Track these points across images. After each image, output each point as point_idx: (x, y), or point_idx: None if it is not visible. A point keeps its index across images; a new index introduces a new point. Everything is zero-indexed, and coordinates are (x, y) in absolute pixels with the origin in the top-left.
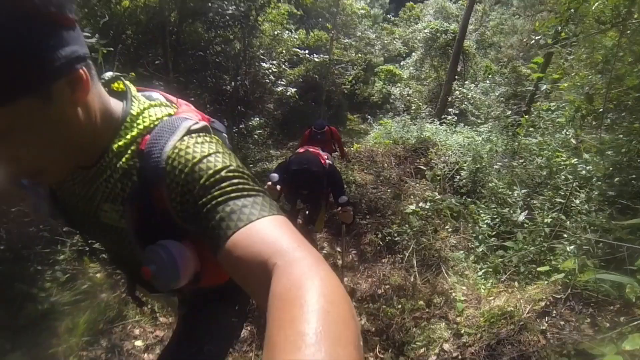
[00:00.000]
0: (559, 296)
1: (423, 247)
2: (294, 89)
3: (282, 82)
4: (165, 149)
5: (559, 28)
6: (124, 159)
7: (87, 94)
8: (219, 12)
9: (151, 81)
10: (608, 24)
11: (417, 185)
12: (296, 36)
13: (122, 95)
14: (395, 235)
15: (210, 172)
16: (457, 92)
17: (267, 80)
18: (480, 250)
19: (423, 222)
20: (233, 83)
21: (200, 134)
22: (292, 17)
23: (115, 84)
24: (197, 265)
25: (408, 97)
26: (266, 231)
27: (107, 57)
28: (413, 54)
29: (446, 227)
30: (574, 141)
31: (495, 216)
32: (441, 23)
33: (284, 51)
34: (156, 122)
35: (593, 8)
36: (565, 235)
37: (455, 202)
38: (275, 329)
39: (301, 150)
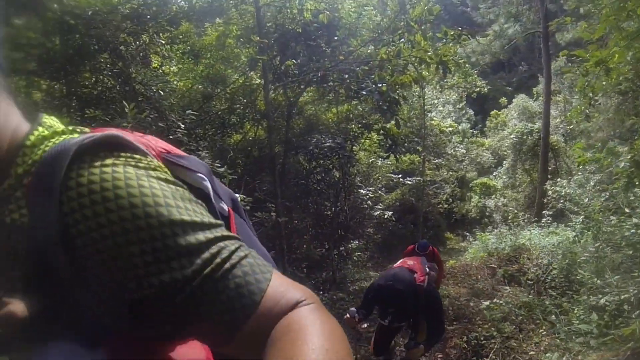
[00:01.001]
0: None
1: (512, 349)
2: (391, 212)
3: (379, 207)
4: (56, 181)
5: None
6: (7, 211)
7: None
8: (318, 145)
9: (264, 204)
10: None
11: (510, 290)
12: (389, 162)
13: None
14: (482, 339)
15: (167, 230)
16: (550, 191)
17: (365, 205)
18: (577, 347)
19: (514, 327)
20: (333, 209)
21: (118, 154)
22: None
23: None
24: None
25: (504, 207)
26: (279, 290)
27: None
28: (504, 162)
29: (540, 330)
30: None
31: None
32: (525, 125)
33: (379, 177)
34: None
35: None
36: None
37: (548, 303)
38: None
39: (397, 264)
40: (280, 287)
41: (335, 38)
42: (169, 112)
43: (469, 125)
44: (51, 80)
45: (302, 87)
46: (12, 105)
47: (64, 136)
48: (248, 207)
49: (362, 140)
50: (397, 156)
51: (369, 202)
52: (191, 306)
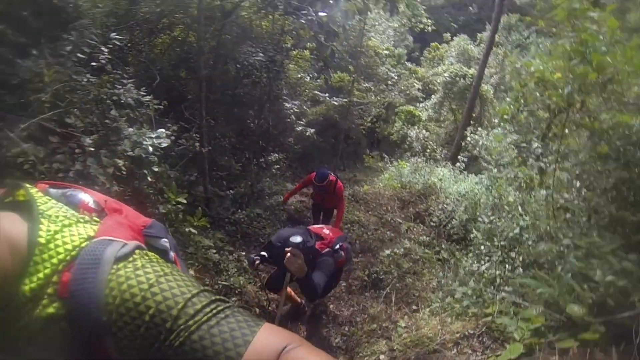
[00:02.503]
0: (472, 332)
1: (406, 285)
2: (313, 130)
3: (302, 122)
4: (97, 292)
5: None
6: (41, 307)
7: None
8: (248, 58)
9: (188, 132)
10: None
11: (415, 229)
12: (319, 80)
13: (25, 209)
14: (382, 273)
15: (174, 312)
16: (469, 137)
17: (289, 120)
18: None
19: (411, 264)
20: (256, 120)
21: (134, 256)
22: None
23: (19, 193)
24: None
25: (424, 140)
26: (265, 344)
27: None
28: (432, 96)
29: (432, 270)
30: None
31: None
32: (460, 67)
33: (306, 91)
34: (74, 253)
35: None
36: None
37: (441, 248)
38: None
39: (313, 227)
40: (266, 338)
41: None
42: (89, 32)
43: (406, 51)
44: None
45: None
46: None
47: (78, 226)
48: (172, 137)
49: (294, 55)
50: (328, 77)
51: (292, 116)
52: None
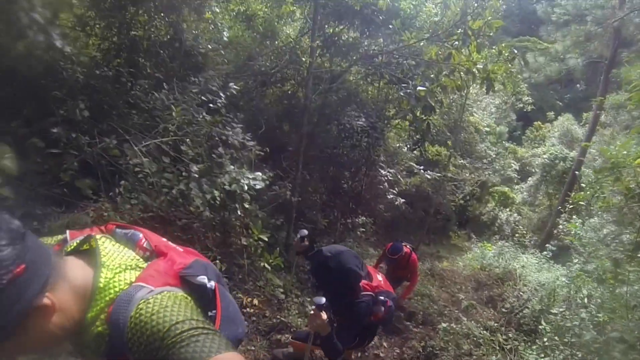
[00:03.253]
0: None
1: None
2: (403, 200)
3: (394, 191)
4: (125, 322)
5: None
6: (95, 326)
7: (55, 312)
8: (351, 121)
9: (282, 180)
10: None
11: (485, 312)
12: (414, 152)
13: (91, 257)
14: (437, 349)
15: (161, 334)
16: (561, 225)
17: (381, 187)
18: None
19: (471, 347)
20: (350, 182)
21: (156, 297)
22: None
23: (88, 243)
24: None
25: (515, 223)
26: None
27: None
28: (529, 178)
29: (492, 357)
30: None
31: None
32: (561, 149)
33: (403, 161)
34: (119, 293)
35: None
36: None
37: (508, 337)
38: None
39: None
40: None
41: (390, 27)
42: (211, 78)
43: (508, 129)
44: (103, 20)
45: (350, 60)
46: (69, 270)
47: (127, 273)
48: (267, 182)
49: (394, 123)
50: (422, 150)
51: (385, 183)
52: None
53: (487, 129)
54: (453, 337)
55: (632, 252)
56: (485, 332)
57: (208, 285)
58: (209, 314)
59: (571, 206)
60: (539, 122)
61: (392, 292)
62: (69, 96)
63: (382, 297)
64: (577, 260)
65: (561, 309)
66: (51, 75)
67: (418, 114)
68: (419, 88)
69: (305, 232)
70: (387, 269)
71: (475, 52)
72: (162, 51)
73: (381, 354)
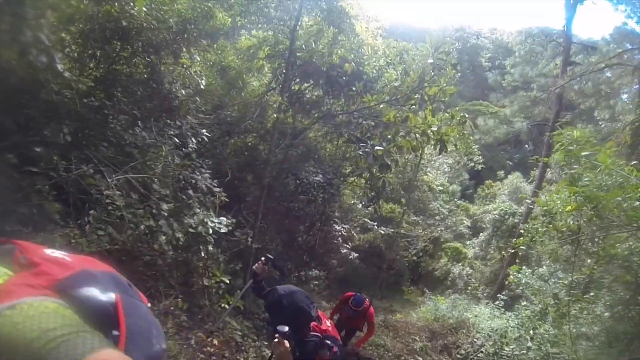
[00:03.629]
0: None
1: None
2: (357, 255)
3: (347, 246)
4: None
5: None
6: None
7: None
8: (308, 177)
9: (243, 227)
10: None
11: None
12: (369, 209)
13: None
14: None
15: (32, 342)
16: (511, 275)
17: (335, 241)
18: None
19: None
20: (305, 236)
21: (14, 309)
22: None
23: None
24: None
25: (467, 277)
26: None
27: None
28: (481, 234)
29: None
30: None
31: None
32: (510, 205)
33: (357, 217)
34: None
35: None
36: None
37: None
38: None
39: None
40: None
41: (353, 88)
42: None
43: (460, 188)
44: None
45: (312, 117)
46: None
47: None
48: (230, 228)
49: (350, 180)
50: (377, 207)
51: (339, 238)
52: None
53: (440, 188)
54: None
55: (573, 290)
56: None
57: (102, 298)
58: (113, 332)
59: (512, 251)
60: (490, 181)
61: (339, 340)
62: (54, 119)
63: (328, 342)
64: (525, 304)
65: (512, 347)
66: (40, 94)
67: (375, 172)
68: (377, 147)
69: (270, 256)
70: (340, 318)
71: (430, 116)
72: (138, 90)
73: None
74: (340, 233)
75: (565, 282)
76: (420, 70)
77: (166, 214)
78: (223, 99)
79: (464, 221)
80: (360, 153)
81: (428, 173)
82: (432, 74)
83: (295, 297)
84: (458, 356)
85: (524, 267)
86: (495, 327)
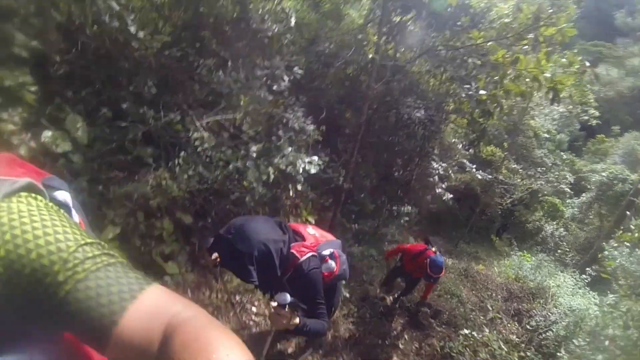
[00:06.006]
0: None
1: None
2: (451, 196)
3: (443, 185)
4: None
5: None
6: None
7: None
8: (410, 112)
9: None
10: None
11: (509, 325)
12: (469, 151)
13: None
14: (455, 351)
15: (64, 254)
16: (607, 251)
17: (431, 179)
18: None
19: (488, 357)
20: (401, 171)
21: (29, 196)
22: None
23: None
24: None
25: (559, 238)
26: (154, 303)
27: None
28: (583, 194)
29: None
30: None
31: None
32: (623, 169)
33: (456, 157)
34: None
35: None
36: None
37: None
38: None
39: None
40: (157, 297)
41: (459, 23)
42: (276, 54)
43: (568, 138)
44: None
45: (414, 51)
46: None
47: None
48: (321, 167)
49: (452, 119)
50: (477, 151)
51: (436, 176)
52: (54, 306)
53: (547, 135)
54: (472, 344)
55: None
56: (504, 345)
57: (73, 211)
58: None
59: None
60: (603, 136)
61: (335, 240)
62: (138, 73)
63: (325, 252)
64: (612, 295)
65: (584, 342)
66: (123, 53)
67: (476, 116)
68: (481, 92)
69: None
70: (405, 264)
71: (544, 60)
72: (228, 29)
73: (400, 345)
74: (437, 171)
75: None
76: (535, 6)
77: (255, 155)
78: (319, 32)
79: (567, 177)
80: (463, 96)
81: (535, 118)
82: (550, 10)
83: (248, 234)
84: (528, 327)
85: (625, 243)
86: (574, 307)
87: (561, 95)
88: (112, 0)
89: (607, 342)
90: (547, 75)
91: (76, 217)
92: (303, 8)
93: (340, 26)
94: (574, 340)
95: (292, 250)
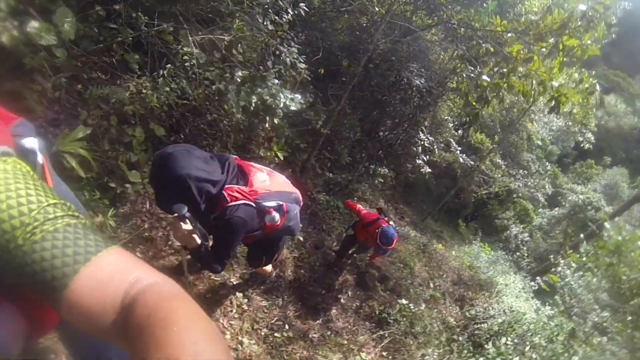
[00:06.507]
0: None
1: (403, 344)
2: (429, 170)
3: (424, 158)
4: None
5: None
6: None
7: None
8: (410, 78)
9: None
10: None
11: (450, 307)
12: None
13: None
14: (391, 318)
15: (25, 219)
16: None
17: (415, 148)
18: None
19: (421, 331)
20: (387, 132)
21: None
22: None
23: None
24: (25, 326)
25: (521, 243)
26: (110, 268)
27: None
28: (556, 208)
29: (438, 350)
30: None
31: None
32: (600, 199)
33: (445, 135)
34: None
35: None
36: None
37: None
38: (150, 352)
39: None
40: (114, 260)
41: (485, 5)
42: None
43: (559, 152)
44: None
45: (432, 19)
46: None
47: None
48: (303, 106)
49: (451, 96)
50: (466, 135)
51: (420, 147)
52: (13, 268)
53: (539, 143)
54: (410, 315)
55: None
56: (441, 325)
57: (38, 156)
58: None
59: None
60: (593, 162)
61: (293, 192)
62: None
63: (269, 204)
64: (549, 307)
65: (510, 342)
66: None
67: (471, 100)
68: (484, 77)
69: (185, 214)
70: (358, 232)
71: (556, 68)
72: None
73: (342, 300)
74: (423, 142)
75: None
76: (567, 14)
77: (239, 80)
78: None
79: (546, 187)
80: (464, 76)
81: (534, 122)
82: (579, 23)
83: (172, 164)
84: (467, 314)
85: (573, 265)
86: (515, 308)
87: (564, 109)
88: None
89: (527, 348)
90: (555, 83)
91: (41, 158)
92: None
93: None
94: (503, 338)
95: (225, 192)
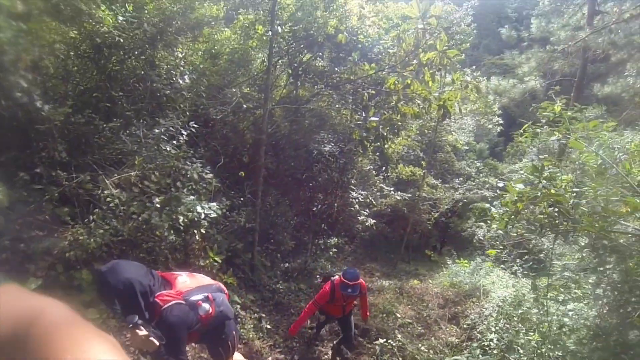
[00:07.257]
0: None
1: None
2: (374, 221)
3: (365, 212)
4: None
5: None
6: None
7: None
8: (320, 148)
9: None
10: None
11: (447, 328)
12: (386, 174)
13: None
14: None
15: None
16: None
17: (353, 208)
18: None
19: None
20: (320, 205)
21: None
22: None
23: None
24: None
25: (492, 239)
26: (4, 298)
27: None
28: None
29: None
30: None
31: None
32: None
33: (376, 184)
34: None
35: None
36: None
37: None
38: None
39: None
40: (7, 295)
41: (350, 59)
42: (177, 109)
43: (488, 146)
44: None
45: (318, 87)
46: None
47: None
48: (223, 211)
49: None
50: (386, 175)
51: (356, 205)
52: None
53: (466, 147)
54: (406, 355)
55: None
56: (447, 348)
57: None
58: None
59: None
60: (517, 134)
61: (214, 284)
62: (49, 140)
63: (195, 297)
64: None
65: (501, 326)
66: (33, 123)
67: (367, 143)
68: (370, 119)
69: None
70: (330, 305)
71: (430, 81)
72: (138, 85)
73: None
74: (357, 200)
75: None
76: (412, 37)
77: (158, 206)
78: (225, 79)
79: (490, 181)
80: (352, 126)
81: (452, 133)
82: (426, 38)
83: (118, 271)
84: (465, 326)
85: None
86: (506, 297)
87: (453, 111)
88: (21, 78)
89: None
90: (435, 94)
91: None
92: (203, 61)
93: (251, 70)
94: (506, 325)
95: (157, 299)
